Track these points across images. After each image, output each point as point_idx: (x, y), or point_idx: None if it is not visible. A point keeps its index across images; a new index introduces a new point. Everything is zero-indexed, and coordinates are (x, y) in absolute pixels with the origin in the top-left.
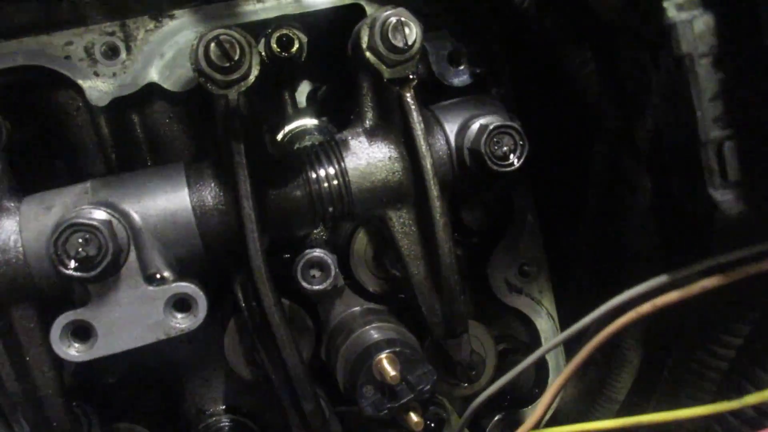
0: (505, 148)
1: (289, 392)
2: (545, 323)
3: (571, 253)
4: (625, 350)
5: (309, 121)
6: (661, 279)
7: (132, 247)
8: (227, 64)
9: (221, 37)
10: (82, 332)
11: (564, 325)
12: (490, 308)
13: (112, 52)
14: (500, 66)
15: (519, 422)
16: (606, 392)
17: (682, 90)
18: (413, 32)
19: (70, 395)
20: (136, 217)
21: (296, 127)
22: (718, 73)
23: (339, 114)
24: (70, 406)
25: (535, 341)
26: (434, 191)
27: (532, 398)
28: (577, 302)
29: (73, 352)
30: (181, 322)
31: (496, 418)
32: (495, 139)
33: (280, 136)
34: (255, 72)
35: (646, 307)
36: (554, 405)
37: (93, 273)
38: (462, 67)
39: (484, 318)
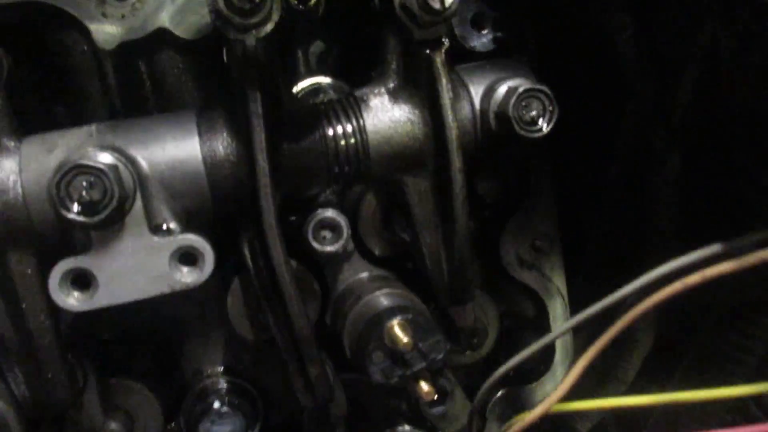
0: (533, 113)
1: (294, 355)
2: (555, 301)
3: (588, 230)
4: (636, 331)
5: (323, 79)
6: (713, 249)
7: (138, 195)
8: (247, 6)
9: None
10: (82, 281)
11: (573, 304)
12: (500, 282)
13: None
14: (526, 32)
15: (522, 399)
16: (614, 373)
17: (758, 48)
18: None
19: (66, 347)
20: (143, 163)
21: (310, 85)
22: None
23: (352, 77)
24: (65, 357)
25: (543, 319)
26: (457, 162)
27: (537, 375)
28: (589, 282)
29: (72, 301)
30: (187, 276)
31: (499, 393)
32: (524, 103)
33: (294, 91)
34: (275, 17)
35: (695, 278)
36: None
37: (96, 219)
38: (485, 31)
39: (491, 291)
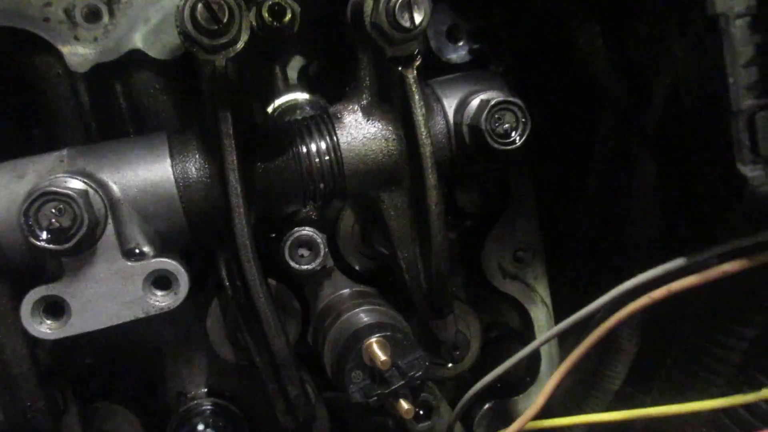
0: (506, 125)
1: (274, 376)
2: (539, 310)
3: (569, 239)
4: (620, 339)
5: (300, 96)
6: (678, 262)
7: (110, 220)
8: (215, 28)
9: None
10: (55, 309)
11: (558, 313)
12: (483, 294)
13: (93, 15)
14: (501, 42)
15: (509, 411)
16: (600, 382)
17: (712, 55)
18: (422, 11)
19: (44, 374)
20: (114, 187)
21: (287, 101)
22: (754, 36)
23: (332, 91)
24: (44, 385)
25: (528, 329)
26: (432, 178)
27: (524, 386)
28: (573, 290)
29: (45, 329)
30: (161, 300)
31: (486, 406)
32: (496, 116)
33: (269, 110)
34: (244, 37)
35: (660, 292)
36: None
37: (66, 245)
38: (461, 43)
39: (476, 303)
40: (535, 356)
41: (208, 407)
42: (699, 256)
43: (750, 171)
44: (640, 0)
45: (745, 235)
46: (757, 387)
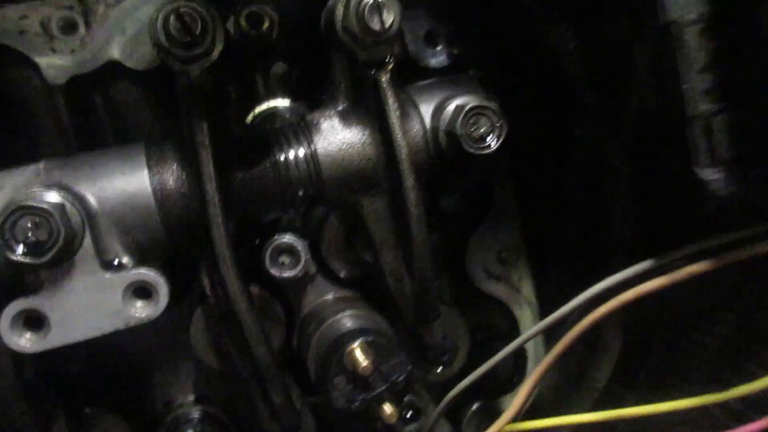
0: (481, 130)
1: (257, 384)
2: (524, 311)
3: (552, 240)
4: (605, 338)
5: (280, 102)
6: (645, 265)
7: (87, 232)
8: (188, 39)
9: (182, 9)
10: (34, 321)
11: (544, 312)
12: (469, 296)
13: (69, 27)
14: (479, 46)
15: (497, 411)
16: (586, 380)
17: (667, 61)
18: (391, 14)
19: (30, 386)
20: (92, 199)
21: (266, 109)
22: (708, 43)
23: (314, 96)
24: (30, 397)
25: (513, 329)
26: (409, 180)
27: (511, 386)
28: (557, 290)
29: (25, 342)
30: (141, 311)
31: (474, 407)
32: (471, 121)
33: (249, 118)
34: (219, 47)
35: (628, 295)
36: (533, 394)
37: (43, 259)
38: (439, 48)
39: (462, 306)
40: (521, 356)
41: (196, 415)
42: (665, 258)
43: (708, 175)
44: (604, 7)
45: (709, 238)
46: (730, 386)
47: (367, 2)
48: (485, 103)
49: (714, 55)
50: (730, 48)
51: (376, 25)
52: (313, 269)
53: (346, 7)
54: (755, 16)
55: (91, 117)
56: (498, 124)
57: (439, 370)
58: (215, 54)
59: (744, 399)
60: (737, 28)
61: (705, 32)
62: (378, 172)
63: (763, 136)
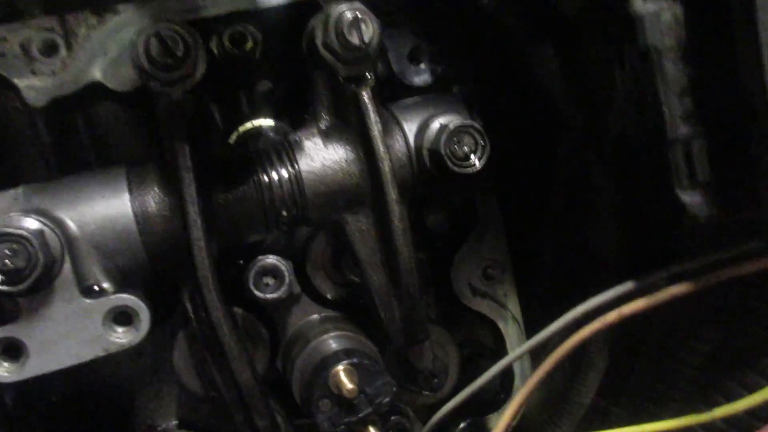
0: (465, 149)
1: (241, 408)
2: (510, 327)
3: (537, 256)
4: (591, 354)
5: (264, 122)
6: (627, 286)
7: (67, 258)
8: (170, 61)
9: (163, 32)
10: (12, 350)
11: (529, 328)
12: (454, 312)
13: (50, 49)
14: (462, 64)
15: (485, 429)
16: (572, 396)
17: (647, 86)
18: (370, 29)
19: (10, 414)
20: (71, 225)
21: (250, 128)
22: (686, 68)
23: (298, 114)
24: (10, 424)
25: (500, 345)
26: (392, 195)
27: (498, 404)
28: (543, 306)
29: (2, 372)
30: (122, 337)
31: (461, 425)
32: (455, 139)
33: (233, 138)
34: (201, 69)
35: (612, 316)
36: (520, 412)
37: (20, 287)
38: (423, 66)
39: (448, 322)
40: (508, 373)
41: None
42: (647, 279)
43: (689, 197)
44: (585, 30)
45: (691, 258)
46: (713, 405)
47: (347, 18)
48: (469, 122)
49: (692, 80)
50: (707, 73)
51: (355, 40)
52: (297, 290)
53: (326, 23)
54: (732, 41)
55: (73, 139)
56: (482, 143)
57: (429, 394)
58: (197, 76)
59: (727, 420)
60: (714, 54)
61: (683, 58)
62: (362, 188)
63: (740, 160)
